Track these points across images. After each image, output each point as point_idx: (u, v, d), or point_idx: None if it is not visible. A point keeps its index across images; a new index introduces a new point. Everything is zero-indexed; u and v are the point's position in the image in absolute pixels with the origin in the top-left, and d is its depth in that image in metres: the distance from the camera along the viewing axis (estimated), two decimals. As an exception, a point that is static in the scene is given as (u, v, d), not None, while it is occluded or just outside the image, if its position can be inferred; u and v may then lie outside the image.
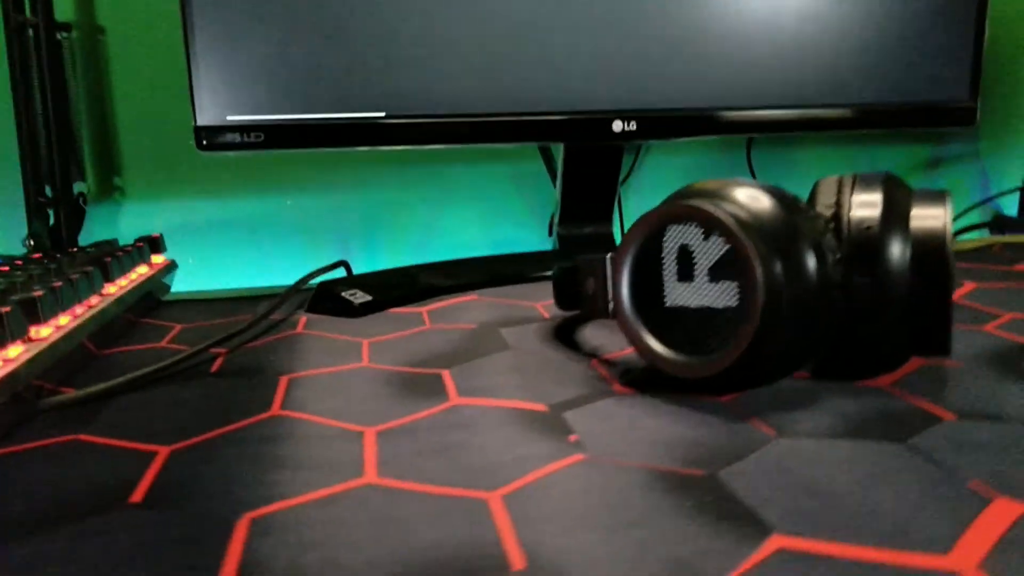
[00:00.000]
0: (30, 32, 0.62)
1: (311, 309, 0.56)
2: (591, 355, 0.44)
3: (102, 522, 0.26)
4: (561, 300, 0.48)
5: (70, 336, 0.40)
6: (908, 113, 0.67)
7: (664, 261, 0.37)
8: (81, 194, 0.67)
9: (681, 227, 0.36)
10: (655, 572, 0.23)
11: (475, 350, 0.45)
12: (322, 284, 0.58)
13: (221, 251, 0.74)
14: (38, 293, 0.39)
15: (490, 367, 0.42)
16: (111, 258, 0.50)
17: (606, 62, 0.60)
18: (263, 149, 0.56)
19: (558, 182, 0.70)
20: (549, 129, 0.61)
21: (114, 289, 0.50)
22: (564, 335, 0.48)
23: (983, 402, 0.35)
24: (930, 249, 0.35)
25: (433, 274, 0.63)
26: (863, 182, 0.37)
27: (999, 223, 0.88)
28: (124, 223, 0.72)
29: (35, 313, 0.38)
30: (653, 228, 0.37)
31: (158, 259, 0.61)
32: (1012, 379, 0.38)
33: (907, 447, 0.30)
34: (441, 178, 0.78)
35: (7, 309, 0.35)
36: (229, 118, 0.55)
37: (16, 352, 0.35)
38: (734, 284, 0.34)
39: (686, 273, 0.36)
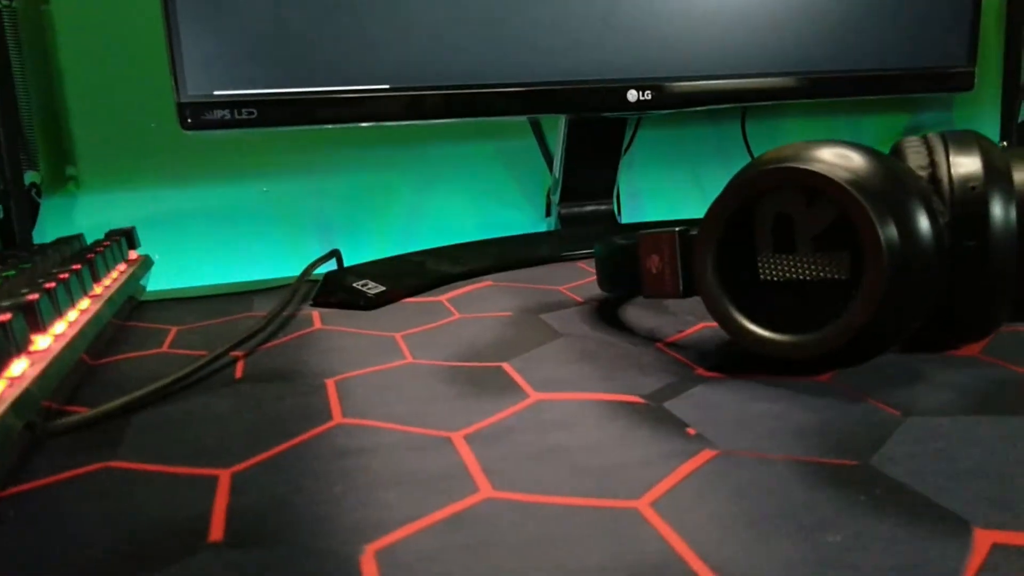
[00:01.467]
0: (-34, 1, 0.55)
1: (318, 302, 0.51)
2: (651, 339, 0.41)
3: (194, 568, 0.21)
4: (607, 280, 0.44)
5: (72, 346, 0.34)
6: (910, 79, 0.66)
7: (757, 232, 0.34)
8: (34, 184, 0.60)
9: (778, 193, 0.33)
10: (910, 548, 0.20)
11: (525, 339, 0.41)
12: (328, 275, 0.53)
13: (191, 244, 0.68)
14: (33, 296, 0.33)
15: (552, 357, 0.38)
16: (94, 255, 0.44)
17: (620, 30, 0.57)
18: (256, 127, 0.50)
19: (558, 159, 0.67)
20: (562, 99, 0.57)
21: (100, 290, 0.44)
22: (612, 319, 0.45)
23: (1091, 367, 0.33)
24: (1039, 210, 0.33)
25: (440, 260, 0.58)
26: (956, 140, 0.35)
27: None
28: (80, 217, 0.65)
29: (35, 320, 0.32)
30: (746, 196, 0.34)
31: (133, 255, 0.54)
32: (1102, 342, 0.36)
33: (1052, 420, 0.29)
34: (425, 158, 0.73)
35: (7, 316, 0.29)
36: (217, 93, 0.49)
37: (22, 367, 0.30)
38: (845, 253, 0.32)
39: (785, 244, 0.33)
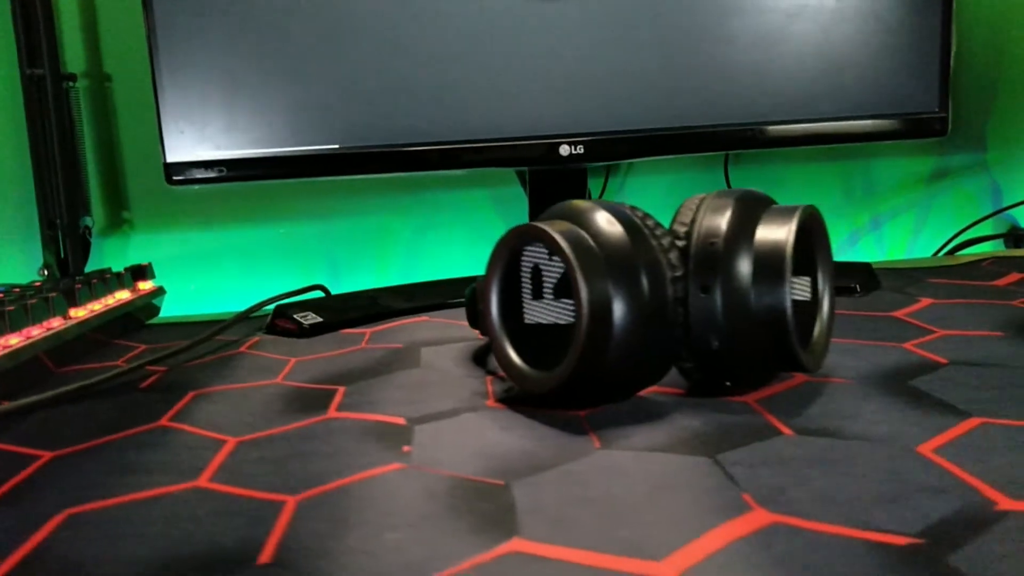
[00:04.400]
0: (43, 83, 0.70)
1: (267, 329, 0.59)
2: (492, 372, 0.46)
3: (-47, 515, 0.30)
4: (471, 320, 0.50)
5: (14, 355, 0.45)
6: (879, 126, 0.65)
7: (522, 280, 0.38)
8: (86, 227, 0.74)
9: (533, 247, 0.38)
10: (394, 564, 0.24)
11: (383, 367, 0.48)
12: (279, 307, 0.62)
13: (220, 276, 0.80)
14: (-16, 316, 0.44)
15: (388, 384, 0.44)
16: (82, 285, 0.56)
17: (552, 89, 0.62)
18: (226, 182, 0.60)
19: (527, 206, 0.72)
20: (499, 155, 0.63)
21: (83, 312, 0.55)
22: (481, 354, 0.50)
23: (832, 419, 0.35)
24: (769, 264, 0.35)
25: (394, 297, 0.66)
26: (718, 199, 0.38)
27: (1015, 235, 0.84)
28: (133, 253, 0.79)
29: (-25, 335, 0.43)
30: (512, 248, 0.38)
31: (145, 285, 0.66)
32: (882, 397, 0.37)
33: (712, 461, 0.31)
34: (426, 204, 0.81)
35: (-59, 330, 0.40)
36: (194, 155, 0.60)
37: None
38: (571, 302, 0.35)
39: (538, 291, 0.37)
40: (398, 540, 0.26)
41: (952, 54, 0.64)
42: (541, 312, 0.37)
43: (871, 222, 0.85)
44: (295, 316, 0.59)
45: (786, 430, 0.34)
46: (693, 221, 0.37)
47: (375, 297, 0.66)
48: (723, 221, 0.36)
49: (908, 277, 0.66)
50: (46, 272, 0.73)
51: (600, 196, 0.77)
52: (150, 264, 0.67)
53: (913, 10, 0.63)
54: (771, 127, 0.64)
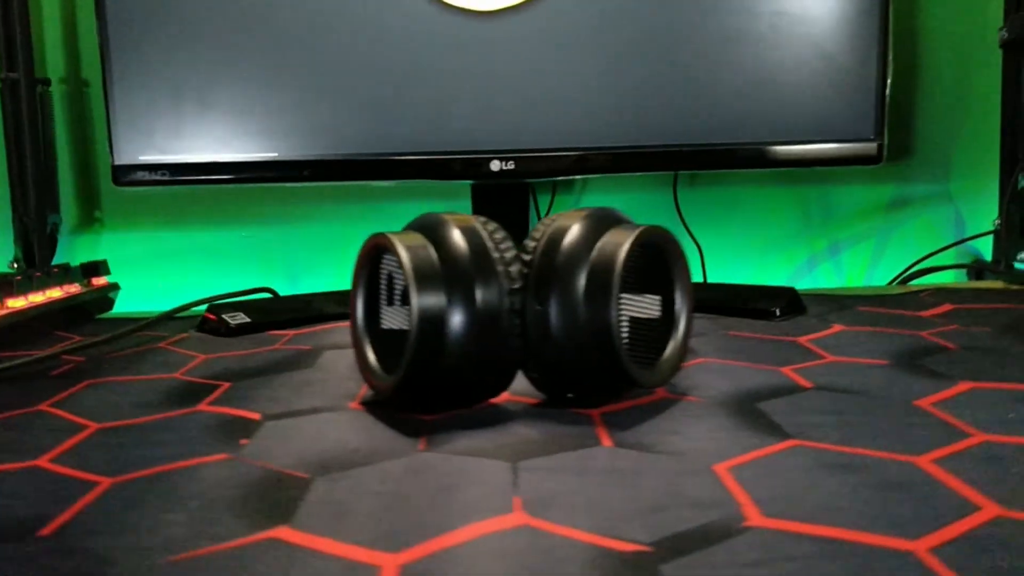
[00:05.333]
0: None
1: (199, 328, 0.62)
2: (377, 376, 0.47)
3: None
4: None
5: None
6: (813, 152, 0.66)
7: (381, 286, 0.40)
8: (54, 224, 0.78)
9: (389, 256, 0.39)
10: (152, 542, 0.26)
11: (278, 367, 0.50)
12: (212, 306, 0.65)
13: (185, 275, 0.83)
14: (-96, 302, 0.47)
15: (272, 383, 0.46)
16: (20, 278, 0.59)
17: (485, 105, 0.64)
18: (169, 185, 0.63)
19: (473, 218, 0.74)
20: (432, 168, 0.65)
21: (21, 303, 0.58)
22: (376, 358, 0.51)
23: (657, 435, 0.35)
24: (599, 280, 0.36)
25: (328, 302, 0.68)
26: (568, 216, 0.39)
27: (977, 267, 0.82)
28: (103, 249, 0.82)
29: None
30: (370, 255, 0.40)
31: (100, 281, 0.69)
32: (720, 417, 0.38)
33: (512, 466, 0.32)
34: (381, 213, 0.83)
35: None
36: (141, 158, 0.63)
37: None
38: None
39: (391, 298, 0.39)
40: (172, 520, 0.28)
41: (889, 82, 0.64)
42: (393, 318, 0.39)
43: (829, 248, 0.85)
44: (224, 316, 0.62)
45: (607, 442, 0.35)
46: (541, 237, 0.38)
47: (310, 301, 0.68)
48: (565, 238, 0.37)
49: (838, 304, 0.66)
50: (15, 265, 0.76)
51: (547, 212, 0.78)
52: (105, 261, 0.71)
53: (849, 37, 0.64)
54: (701, 149, 0.65)
